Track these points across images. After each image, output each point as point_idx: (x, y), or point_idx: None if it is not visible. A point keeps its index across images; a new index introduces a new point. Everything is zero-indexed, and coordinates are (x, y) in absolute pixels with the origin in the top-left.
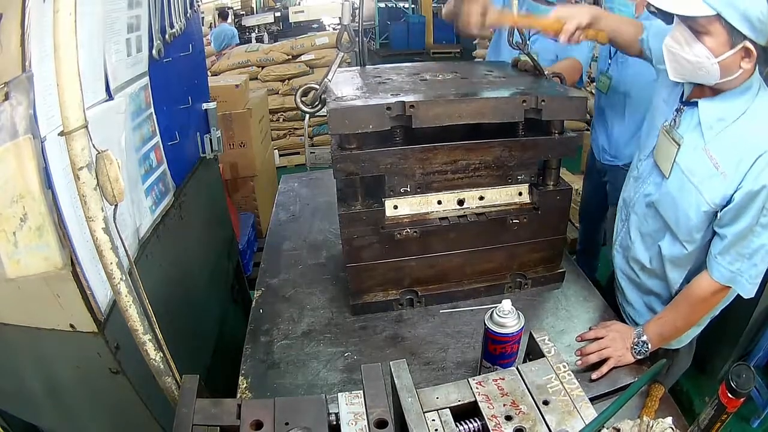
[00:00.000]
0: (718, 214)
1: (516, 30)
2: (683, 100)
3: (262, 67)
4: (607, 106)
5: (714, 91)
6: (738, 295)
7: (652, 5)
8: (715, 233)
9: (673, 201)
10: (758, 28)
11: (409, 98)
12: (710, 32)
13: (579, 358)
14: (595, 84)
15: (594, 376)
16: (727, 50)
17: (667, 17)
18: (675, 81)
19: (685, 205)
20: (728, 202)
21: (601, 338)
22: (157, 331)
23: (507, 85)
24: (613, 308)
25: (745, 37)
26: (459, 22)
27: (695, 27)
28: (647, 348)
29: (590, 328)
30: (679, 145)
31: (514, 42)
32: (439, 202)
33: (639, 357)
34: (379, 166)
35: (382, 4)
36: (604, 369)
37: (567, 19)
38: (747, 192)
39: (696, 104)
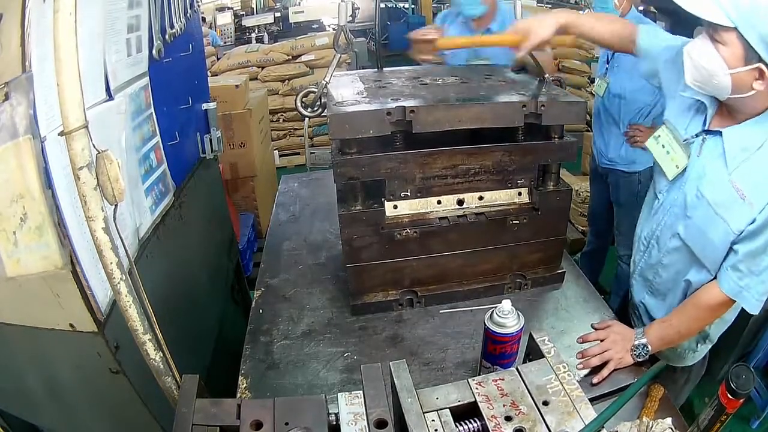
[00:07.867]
0: None
1: None
2: (706, 129)
3: (262, 68)
4: (604, 110)
5: (736, 119)
6: None
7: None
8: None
9: (701, 233)
10: None
11: (409, 103)
12: (727, 43)
13: (580, 360)
14: (594, 87)
15: (595, 380)
16: (741, 65)
17: (667, 21)
18: (690, 99)
19: (713, 237)
20: (751, 224)
21: (602, 340)
22: (157, 331)
23: (507, 89)
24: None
25: (760, 59)
26: (411, 53)
27: (714, 36)
28: (647, 351)
29: (592, 326)
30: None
31: None
32: (439, 202)
33: (638, 360)
34: (380, 170)
35: (382, 5)
36: (605, 372)
37: (528, 34)
38: None
39: (719, 133)
